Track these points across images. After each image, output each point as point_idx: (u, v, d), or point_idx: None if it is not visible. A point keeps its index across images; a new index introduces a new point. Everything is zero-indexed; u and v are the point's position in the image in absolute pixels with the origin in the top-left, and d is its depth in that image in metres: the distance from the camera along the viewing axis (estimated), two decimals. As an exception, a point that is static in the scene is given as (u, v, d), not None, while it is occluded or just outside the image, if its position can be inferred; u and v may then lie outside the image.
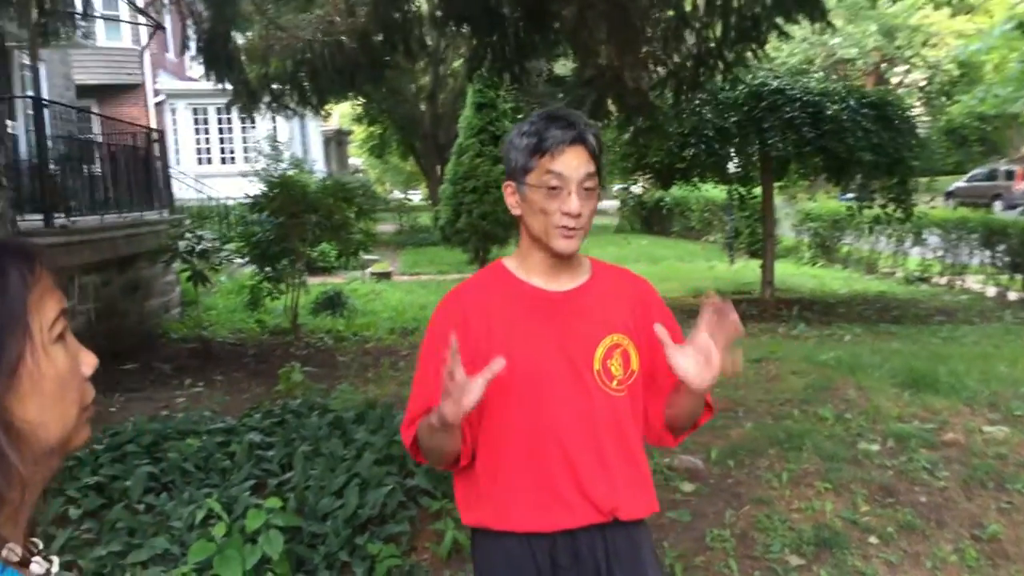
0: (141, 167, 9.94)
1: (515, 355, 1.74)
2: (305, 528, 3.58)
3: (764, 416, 5.45)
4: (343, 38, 8.24)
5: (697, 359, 1.64)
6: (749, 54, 7.45)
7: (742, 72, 9.67)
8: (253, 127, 23.67)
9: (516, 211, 1.78)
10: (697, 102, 9.29)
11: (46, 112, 8.31)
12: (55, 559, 0.90)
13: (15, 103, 8.46)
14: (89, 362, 0.91)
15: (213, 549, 3.19)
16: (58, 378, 0.85)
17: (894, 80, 35.27)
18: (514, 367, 1.74)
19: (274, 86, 9.00)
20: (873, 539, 3.81)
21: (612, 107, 8.39)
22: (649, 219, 25.35)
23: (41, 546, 0.90)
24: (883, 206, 10.57)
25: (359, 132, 40.20)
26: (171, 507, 3.72)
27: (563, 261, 1.79)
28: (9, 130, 9.01)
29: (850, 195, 13.57)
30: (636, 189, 23.33)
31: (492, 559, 1.81)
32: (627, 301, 1.84)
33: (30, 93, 12.29)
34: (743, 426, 5.24)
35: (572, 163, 1.70)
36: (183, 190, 17.08)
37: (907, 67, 36.00)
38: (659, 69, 7.89)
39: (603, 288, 1.84)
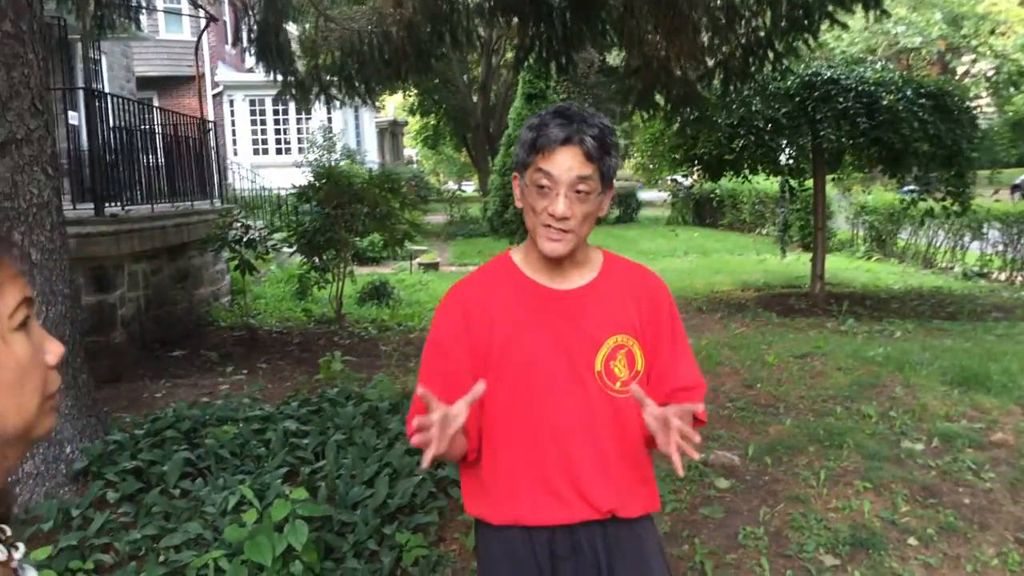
0: (194, 157, 10.13)
1: (516, 352, 1.74)
2: (335, 516, 3.62)
3: (805, 413, 5.35)
4: (391, 29, 8.30)
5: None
6: (800, 44, 7.30)
7: (794, 62, 9.48)
8: (308, 118, 24.00)
9: (519, 204, 1.76)
10: (747, 92, 9.12)
11: (108, 103, 8.52)
12: (21, 545, 0.91)
13: (78, 95, 8.64)
14: (54, 351, 0.92)
15: (244, 534, 3.25)
16: (18, 367, 0.86)
17: (960, 70, 34.26)
18: (514, 366, 1.74)
19: (323, 77, 9.13)
20: (912, 540, 3.71)
21: (659, 98, 8.31)
22: (700, 211, 25.05)
23: (9, 533, 0.91)
24: (940, 199, 10.27)
25: (413, 123, 40.54)
26: (205, 493, 3.79)
27: (562, 259, 1.75)
28: (72, 121, 9.27)
29: (909, 188, 13.24)
30: (686, 181, 23.07)
31: (492, 550, 1.82)
32: (635, 300, 1.81)
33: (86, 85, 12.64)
34: (783, 422, 5.16)
35: (563, 164, 1.65)
36: (239, 180, 17.36)
37: (973, 56, 34.92)
38: (708, 59, 7.78)
39: (611, 286, 1.81)
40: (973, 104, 10.55)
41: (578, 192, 1.66)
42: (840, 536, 3.73)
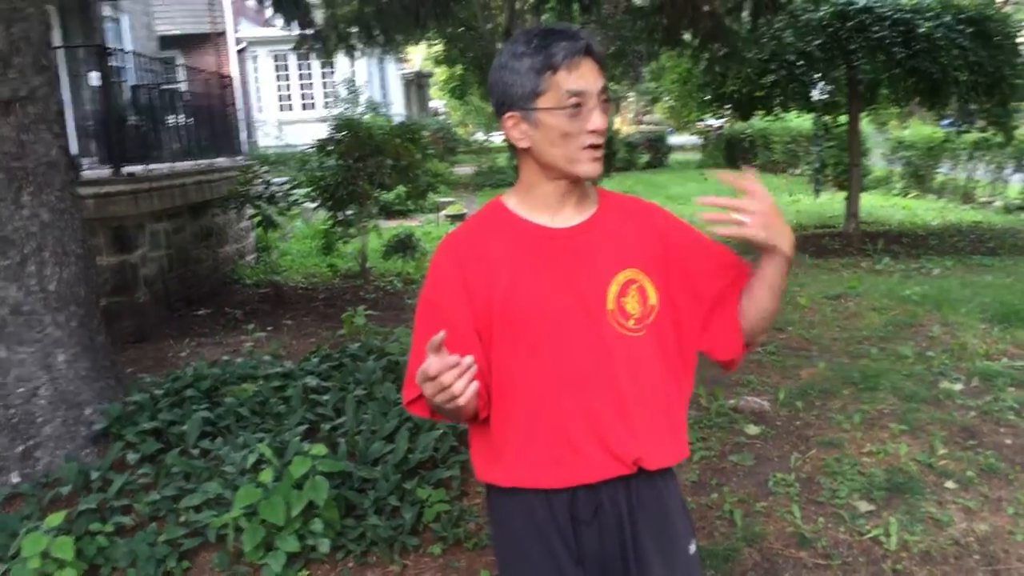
0: (215, 114, 10.05)
1: (521, 300, 1.62)
2: (355, 473, 3.56)
3: (839, 355, 5.21)
4: (408, -26, 8.12)
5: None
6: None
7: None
8: (332, 72, 23.77)
9: (523, 143, 1.60)
10: (777, 25, 8.80)
11: (130, 61, 8.45)
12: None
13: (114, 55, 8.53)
14: None
15: (259, 495, 3.20)
16: None
17: (1001, -4, 32.98)
18: (520, 313, 1.62)
19: (341, 27, 8.96)
20: (950, 484, 3.59)
21: (687, 35, 8.03)
22: (731, 154, 24.56)
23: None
24: (982, 129, 9.89)
25: (440, 74, 40.01)
26: (225, 452, 3.75)
27: (573, 192, 1.64)
28: (93, 82, 9.21)
29: (948, 121, 12.81)
30: (715, 123, 22.59)
31: (509, 517, 1.70)
32: (640, 232, 1.67)
33: (111, 45, 12.57)
34: (816, 365, 5.02)
35: (589, 76, 1.55)
36: (264, 137, 17.28)
37: (1015, -19, 33.58)
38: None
39: (613, 220, 1.67)
40: (1016, 31, 10.09)
41: (604, 103, 1.57)
42: (875, 481, 3.61)
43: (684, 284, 1.67)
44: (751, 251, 1.55)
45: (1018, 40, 9.32)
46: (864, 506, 3.46)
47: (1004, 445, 3.90)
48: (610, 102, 1.60)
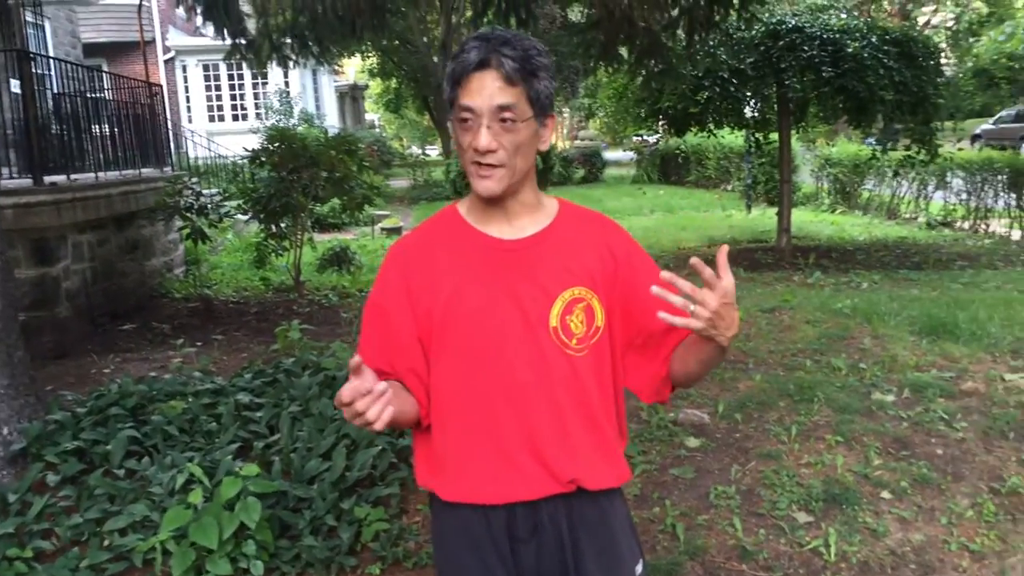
0: (142, 124, 9.76)
1: (462, 310, 1.57)
2: (290, 492, 3.45)
3: (775, 367, 5.26)
4: (344, -16, 8.03)
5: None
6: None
7: (760, 11, 9.30)
8: (264, 83, 23.44)
9: (456, 148, 1.58)
10: (712, 42, 8.94)
11: (53, 68, 8.14)
12: None
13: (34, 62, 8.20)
14: None
15: (189, 517, 3.07)
16: None
17: (921, 20, 34.25)
18: (462, 323, 1.58)
19: (274, 36, 8.80)
20: (886, 494, 3.64)
21: (623, 51, 8.09)
22: (666, 169, 24.94)
23: None
24: (907, 147, 10.20)
25: (374, 86, 39.77)
26: (152, 472, 3.60)
27: (503, 204, 1.58)
28: (14, 89, 8.85)
29: (871, 139, 13.19)
30: (651, 138, 22.93)
31: (445, 530, 1.67)
32: (594, 249, 1.63)
33: (35, 50, 12.15)
34: (752, 378, 5.05)
35: (481, 92, 1.48)
36: (194, 148, 16.89)
37: (934, 6, 34.92)
38: (671, 9, 7.59)
39: (566, 235, 1.63)
40: (938, 52, 10.46)
41: (503, 121, 1.49)
42: (813, 492, 3.64)
43: (624, 313, 1.63)
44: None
45: (941, 61, 9.66)
46: (803, 517, 3.48)
47: (936, 455, 3.98)
48: (520, 120, 1.50)
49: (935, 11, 35.17)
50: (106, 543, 3.23)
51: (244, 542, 3.10)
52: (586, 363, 1.59)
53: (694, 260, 1.43)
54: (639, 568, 1.70)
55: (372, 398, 1.35)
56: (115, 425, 3.98)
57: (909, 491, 3.65)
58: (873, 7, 32.90)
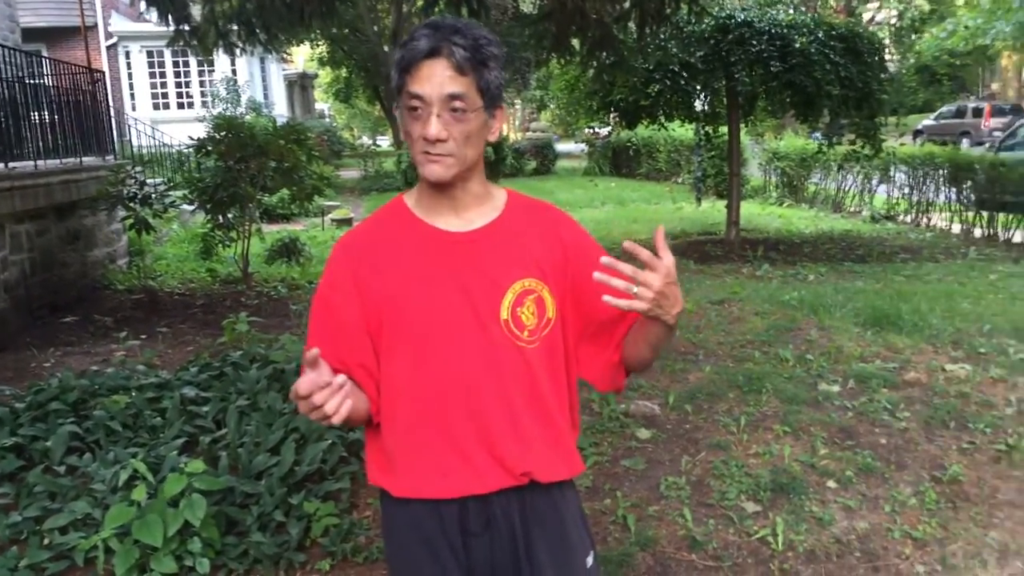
0: (83, 111, 9.50)
1: (409, 304, 1.56)
2: (237, 487, 3.39)
3: (724, 359, 5.32)
4: (292, -30, 7.90)
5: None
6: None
7: (710, 5, 9.38)
8: (211, 71, 23.00)
9: (404, 137, 1.55)
10: (663, 36, 8.99)
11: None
12: None
13: None
14: None
15: (132, 514, 3.00)
16: None
17: (865, 16, 34.91)
18: (410, 317, 1.56)
19: (220, 23, 8.63)
20: (831, 483, 3.70)
21: (575, 42, 8.10)
22: (617, 161, 25.07)
23: None
24: (852, 142, 10.38)
25: (324, 76, 39.29)
26: (94, 468, 3.50)
27: (456, 191, 1.57)
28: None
29: (819, 133, 13.42)
30: (603, 131, 23.04)
31: (397, 526, 1.65)
32: (543, 240, 1.62)
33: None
34: (703, 370, 5.11)
35: (431, 80, 1.46)
36: (138, 136, 16.50)
37: (878, 3, 35.64)
38: (624, 2, 7.61)
39: (514, 226, 1.61)
40: (882, 49, 10.66)
41: (453, 111, 1.48)
42: (761, 482, 3.68)
43: (576, 302, 1.63)
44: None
45: (884, 57, 9.84)
46: (751, 507, 3.52)
47: (879, 444, 4.06)
48: (471, 109, 1.49)
49: (879, 8, 35.90)
50: (46, 542, 3.14)
51: (189, 539, 3.04)
52: (538, 355, 1.58)
53: (627, 244, 1.43)
54: (590, 559, 1.70)
55: (331, 391, 1.34)
56: (55, 420, 3.88)
57: (854, 480, 3.72)
58: (819, 3, 33.47)
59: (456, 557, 1.59)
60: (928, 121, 28.64)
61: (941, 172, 12.23)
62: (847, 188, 14.73)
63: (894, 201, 13.67)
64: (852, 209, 14.53)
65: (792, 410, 4.41)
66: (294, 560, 3.14)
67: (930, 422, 4.24)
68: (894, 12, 35.26)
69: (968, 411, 4.34)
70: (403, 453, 1.59)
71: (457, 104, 1.47)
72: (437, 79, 1.46)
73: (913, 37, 33.94)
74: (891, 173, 13.35)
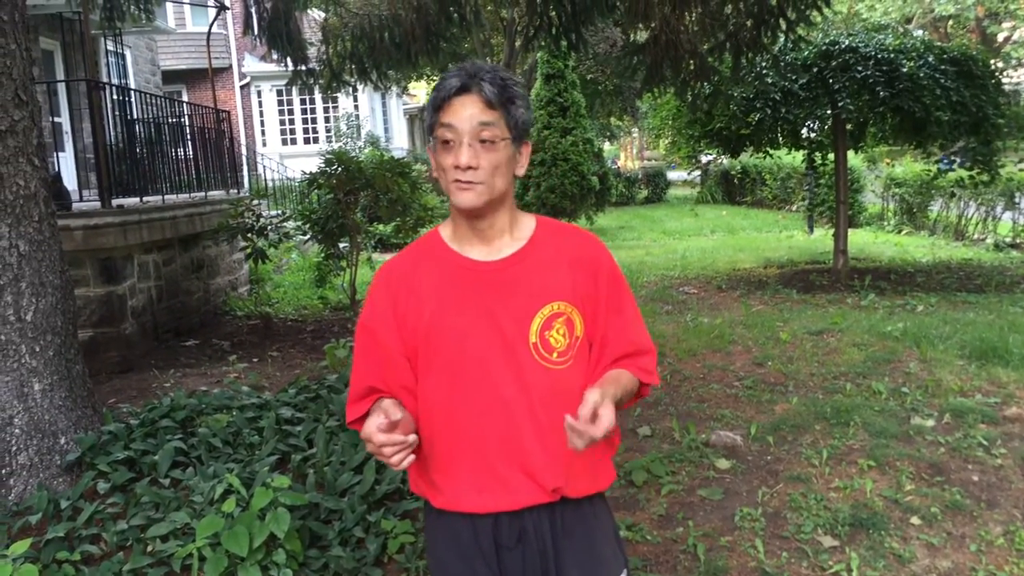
0: (214, 148, 10.17)
1: (443, 332, 1.67)
2: (322, 503, 3.59)
3: (814, 391, 5.23)
4: (401, 11, 8.30)
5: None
6: (813, 13, 7.11)
7: (810, 31, 9.21)
8: (335, 107, 24.03)
9: (435, 174, 1.69)
10: (760, 65, 8.89)
11: (131, 95, 8.57)
12: None
13: (105, 90, 8.66)
14: None
15: (222, 524, 3.22)
16: None
17: (1000, 37, 33.26)
18: (444, 345, 1.67)
19: (334, 63, 9.10)
20: (915, 520, 3.60)
21: (671, 73, 8.14)
22: (729, 189, 24.68)
23: None
24: (968, 168, 9.95)
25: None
26: (195, 482, 3.78)
27: (484, 223, 1.68)
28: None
29: (941, 157, 12.88)
30: (707, 158, 22.74)
31: (436, 536, 1.77)
32: (576, 265, 1.71)
33: (116, 79, 12.76)
34: (790, 401, 5.04)
35: (462, 113, 1.60)
36: (267, 171, 17.43)
37: (1013, 22, 33.89)
38: (718, 32, 7.61)
39: (543, 253, 1.71)
40: (1016, 70, 10.17)
41: (483, 141, 1.60)
42: (840, 516, 3.62)
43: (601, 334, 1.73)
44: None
45: (1000, 78, 9.41)
46: (828, 541, 3.47)
47: (971, 482, 3.92)
48: (498, 140, 1.61)
49: (1014, 27, 34.12)
50: (148, 549, 3.41)
51: (275, 551, 3.24)
52: (568, 374, 1.67)
53: (569, 419, 1.48)
54: (623, 575, 1.77)
55: (399, 447, 1.51)
56: (164, 436, 4.19)
57: (940, 517, 3.61)
58: (950, 24, 32.11)
59: (490, 568, 1.69)
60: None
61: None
62: (970, 215, 14.06)
63: (1020, 228, 12.98)
64: (975, 236, 13.85)
65: (880, 444, 4.31)
66: (371, 575, 3.30)
67: (1027, 460, 4.07)
68: (1030, 30, 33.40)
69: (1070, 450, 4.14)
70: (440, 469, 1.71)
71: (486, 134, 1.59)
72: (468, 112, 1.59)
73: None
74: (1016, 199, 12.68)
